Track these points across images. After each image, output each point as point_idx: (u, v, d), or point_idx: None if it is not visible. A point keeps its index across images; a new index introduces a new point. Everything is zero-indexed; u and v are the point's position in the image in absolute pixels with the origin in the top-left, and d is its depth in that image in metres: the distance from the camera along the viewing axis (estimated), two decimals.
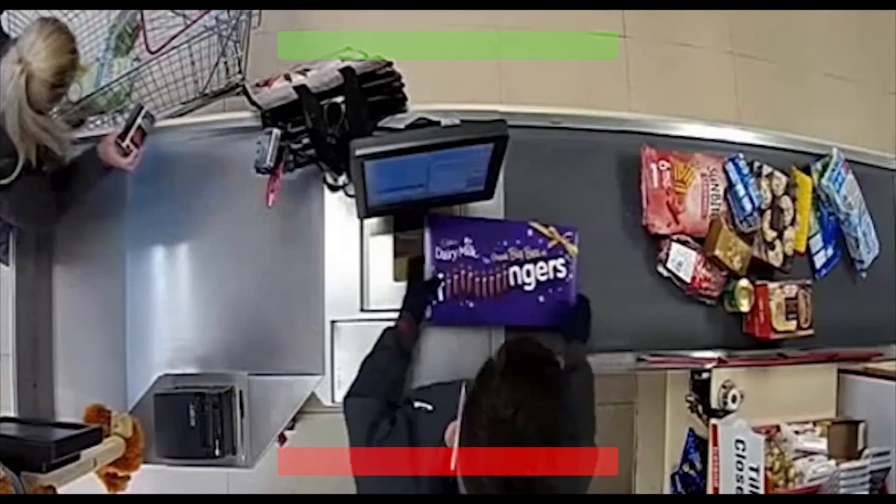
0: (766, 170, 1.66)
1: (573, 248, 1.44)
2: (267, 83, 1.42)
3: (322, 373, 1.45)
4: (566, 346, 1.39)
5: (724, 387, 1.60)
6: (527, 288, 1.41)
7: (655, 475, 1.76)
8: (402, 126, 1.42)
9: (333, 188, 1.47)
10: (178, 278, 1.52)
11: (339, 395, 1.44)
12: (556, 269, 1.43)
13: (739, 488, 1.52)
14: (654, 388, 1.81)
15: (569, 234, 1.45)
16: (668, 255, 1.54)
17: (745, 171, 1.60)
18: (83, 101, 1.60)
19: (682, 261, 1.54)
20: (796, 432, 1.63)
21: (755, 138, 1.71)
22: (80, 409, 1.45)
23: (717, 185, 1.58)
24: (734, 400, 1.59)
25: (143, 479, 1.45)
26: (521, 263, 1.41)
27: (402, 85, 1.44)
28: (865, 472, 1.65)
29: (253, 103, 1.41)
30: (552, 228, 1.44)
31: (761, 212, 1.64)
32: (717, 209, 1.59)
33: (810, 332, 1.65)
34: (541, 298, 1.42)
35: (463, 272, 1.38)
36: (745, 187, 1.59)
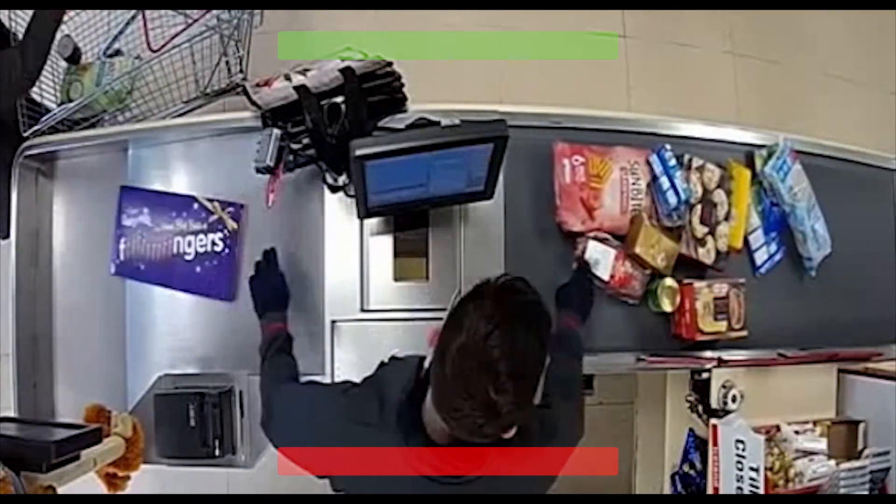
0: (697, 162, 1.57)
1: (232, 224, 1.48)
2: (267, 83, 1.42)
3: (322, 373, 1.45)
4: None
5: (724, 387, 1.60)
6: (186, 257, 1.50)
7: (655, 475, 1.76)
8: (402, 126, 1.41)
9: (333, 188, 1.47)
10: None
11: None
12: (213, 243, 1.49)
13: (739, 488, 1.52)
14: (654, 388, 1.81)
15: (231, 209, 1.49)
16: (583, 252, 1.49)
17: (671, 162, 1.51)
18: (84, 99, 1.60)
19: (599, 258, 1.49)
20: (796, 432, 1.63)
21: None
22: (80, 409, 1.45)
23: (638, 178, 1.51)
24: (734, 400, 1.59)
25: (143, 479, 1.45)
26: (184, 234, 1.50)
27: (402, 85, 1.44)
28: (865, 472, 1.65)
29: (253, 103, 1.41)
30: (216, 203, 1.49)
31: (691, 206, 1.55)
32: (639, 204, 1.51)
33: (743, 333, 1.59)
34: (197, 269, 1.49)
35: (139, 237, 1.52)
36: (670, 179, 1.50)
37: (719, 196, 1.59)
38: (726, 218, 1.60)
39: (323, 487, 1.06)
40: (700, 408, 1.64)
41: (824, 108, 2.98)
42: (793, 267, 1.74)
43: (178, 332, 1.51)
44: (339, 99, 1.37)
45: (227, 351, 1.49)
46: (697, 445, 1.66)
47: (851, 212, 1.80)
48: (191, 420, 1.41)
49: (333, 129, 1.37)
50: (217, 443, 1.42)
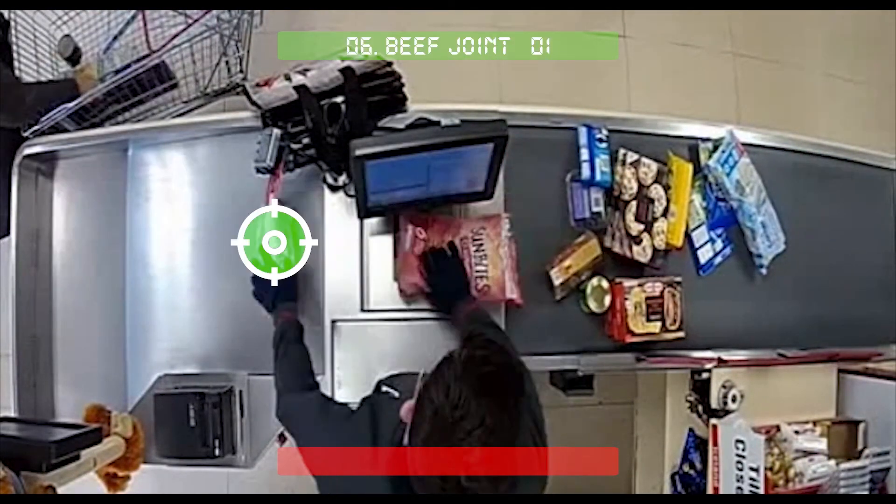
0: (631, 157, 1.51)
1: None
2: (267, 83, 1.42)
3: (322, 373, 1.44)
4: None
5: (724, 387, 1.60)
6: None
7: (655, 475, 1.76)
8: (402, 126, 1.41)
9: (333, 188, 1.47)
10: (178, 278, 1.52)
11: (339, 395, 1.44)
12: None
13: (739, 488, 1.52)
14: (654, 388, 1.81)
15: None
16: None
17: (602, 145, 1.48)
18: (85, 98, 1.59)
19: None
20: (796, 432, 1.63)
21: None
22: (80, 409, 1.45)
23: (481, 245, 1.41)
24: (734, 400, 1.59)
25: (143, 479, 1.45)
26: None
27: (402, 85, 1.44)
28: (865, 472, 1.65)
29: (253, 103, 1.41)
30: None
31: (625, 203, 1.50)
32: (485, 271, 1.40)
33: (680, 334, 1.52)
34: None
35: None
36: (591, 153, 1.47)
37: (656, 191, 1.54)
38: (664, 214, 1.55)
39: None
40: (700, 408, 1.64)
41: (824, 108, 2.98)
42: (740, 265, 1.68)
43: (178, 332, 1.50)
44: (339, 99, 1.37)
45: (227, 351, 1.49)
46: (697, 445, 1.66)
47: (851, 212, 1.80)
48: (191, 420, 1.40)
49: (333, 129, 1.37)
50: (217, 443, 1.42)
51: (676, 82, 2.80)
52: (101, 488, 1.40)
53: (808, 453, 1.62)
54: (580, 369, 1.50)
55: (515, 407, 0.80)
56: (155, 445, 1.44)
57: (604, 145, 1.50)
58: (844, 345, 1.71)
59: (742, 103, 2.86)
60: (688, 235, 1.61)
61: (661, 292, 1.51)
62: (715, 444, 1.57)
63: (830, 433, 1.68)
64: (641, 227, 1.52)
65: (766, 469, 1.52)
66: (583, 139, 1.50)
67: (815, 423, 1.68)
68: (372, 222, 1.47)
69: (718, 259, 1.66)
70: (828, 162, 1.78)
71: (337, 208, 1.48)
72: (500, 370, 0.83)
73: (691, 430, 1.68)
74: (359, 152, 1.13)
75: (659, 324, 1.51)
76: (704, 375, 1.61)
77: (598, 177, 1.47)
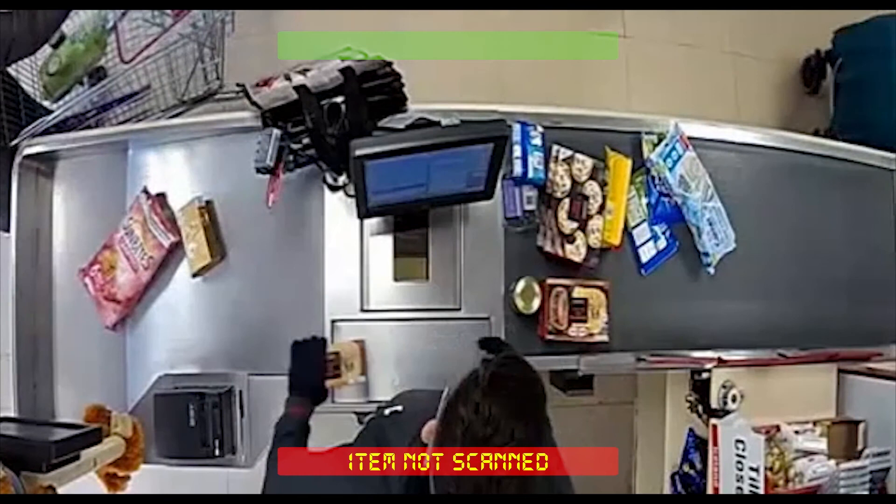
0: (565, 153, 1.47)
1: None
2: (267, 83, 1.42)
3: None
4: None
5: (724, 387, 1.60)
6: None
7: (655, 475, 1.76)
8: (402, 126, 1.42)
9: (333, 188, 1.47)
10: (177, 278, 1.52)
11: (339, 396, 1.44)
12: None
13: (739, 488, 1.52)
14: (654, 388, 1.81)
15: None
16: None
17: (535, 141, 1.45)
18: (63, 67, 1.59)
19: None
20: (796, 432, 1.63)
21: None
22: (80, 409, 1.45)
23: (131, 232, 1.48)
24: (734, 400, 1.59)
25: (143, 479, 1.45)
26: None
27: (402, 85, 1.44)
28: (865, 472, 1.65)
29: (253, 103, 1.41)
30: None
31: (557, 201, 1.46)
32: (151, 256, 1.47)
33: (603, 337, 1.47)
34: None
35: None
36: (524, 151, 1.43)
37: (591, 188, 1.48)
38: (600, 211, 1.48)
39: None
40: (700, 408, 1.64)
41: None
42: (686, 264, 1.61)
43: (178, 332, 1.51)
44: (339, 99, 1.37)
45: (227, 351, 1.49)
46: (697, 445, 1.66)
47: (851, 212, 1.80)
48: (191, 420, 1.41)
49: (333, 129, 1.37)
50: (217, 443, 1.42)
51: (676, 82, 2.80)
52: (101, 488, 1.40)
53: (808, 453, 1.62)
54: (580, 369, 1.50)
55: (541, 420, 0.82)
56: (155, 445, 1.45)
57: (538, 142, 1.46)
58: (844, 345, 1.71)
59: (742, 103, 2.86)
60: (629, 233, 1.56)
61: (588, 293, 1.47)
62: (715, 444, 1.57)
63: (830, 433, 1.68)
64: (575, 225, 1.47)
65: (766, 469, 1.52)
66: (516, 136, 1.46)
67: (815, 423, 1.67)
68: (372, 222, 1.48)
69: (662, 258, 1.58)
70: (828, 162, 1.78)
71: (337, 208, 1.48)
72: (525, 385, 0.84)
73: (691, 430, 1.68)
74: (359, 152, 1.13)
75: (583, 325, 1.47)
76: (704, 375, 1.60)
77: (530, 174, 1.44)
